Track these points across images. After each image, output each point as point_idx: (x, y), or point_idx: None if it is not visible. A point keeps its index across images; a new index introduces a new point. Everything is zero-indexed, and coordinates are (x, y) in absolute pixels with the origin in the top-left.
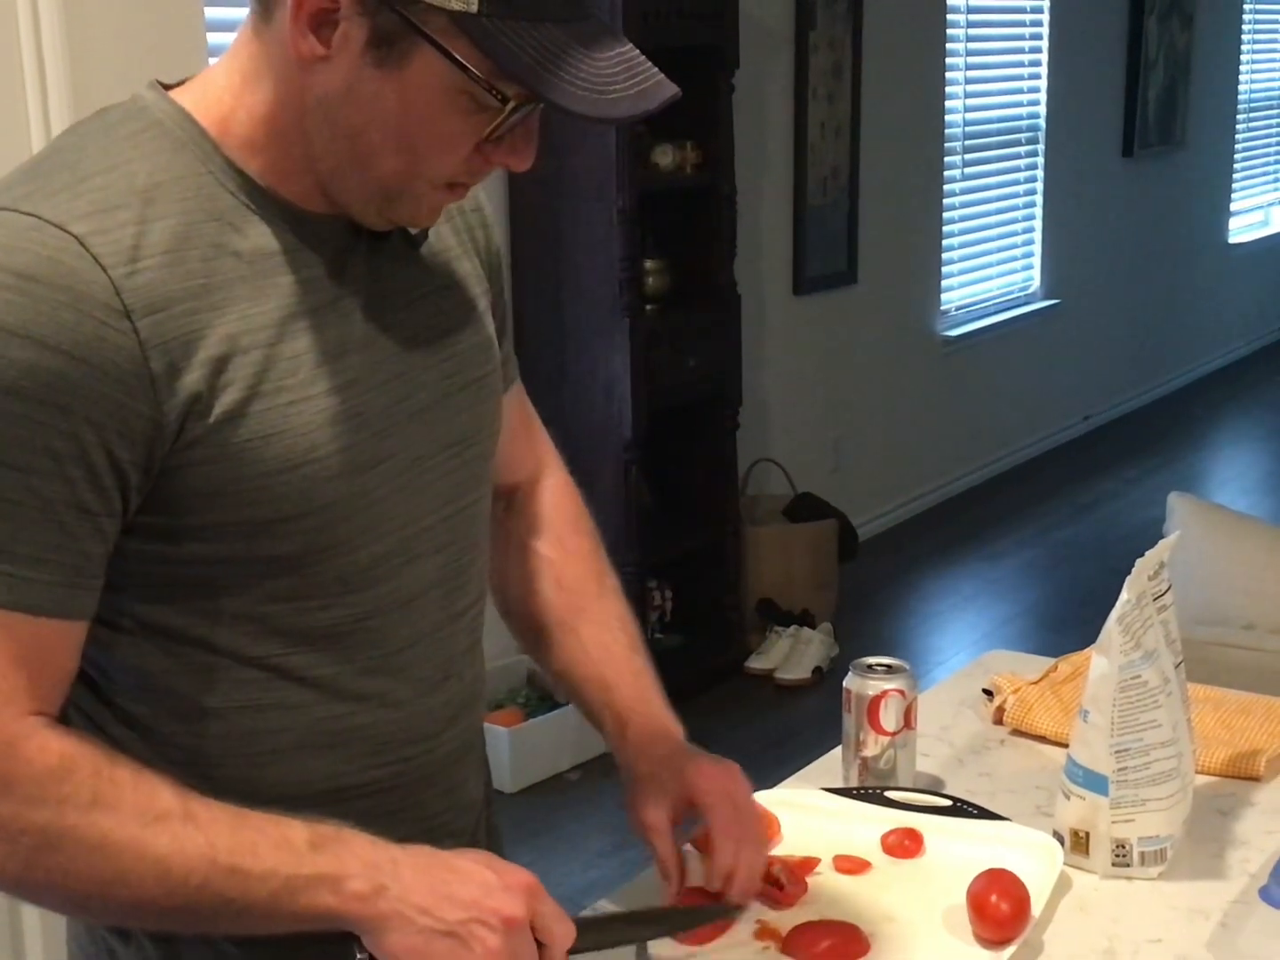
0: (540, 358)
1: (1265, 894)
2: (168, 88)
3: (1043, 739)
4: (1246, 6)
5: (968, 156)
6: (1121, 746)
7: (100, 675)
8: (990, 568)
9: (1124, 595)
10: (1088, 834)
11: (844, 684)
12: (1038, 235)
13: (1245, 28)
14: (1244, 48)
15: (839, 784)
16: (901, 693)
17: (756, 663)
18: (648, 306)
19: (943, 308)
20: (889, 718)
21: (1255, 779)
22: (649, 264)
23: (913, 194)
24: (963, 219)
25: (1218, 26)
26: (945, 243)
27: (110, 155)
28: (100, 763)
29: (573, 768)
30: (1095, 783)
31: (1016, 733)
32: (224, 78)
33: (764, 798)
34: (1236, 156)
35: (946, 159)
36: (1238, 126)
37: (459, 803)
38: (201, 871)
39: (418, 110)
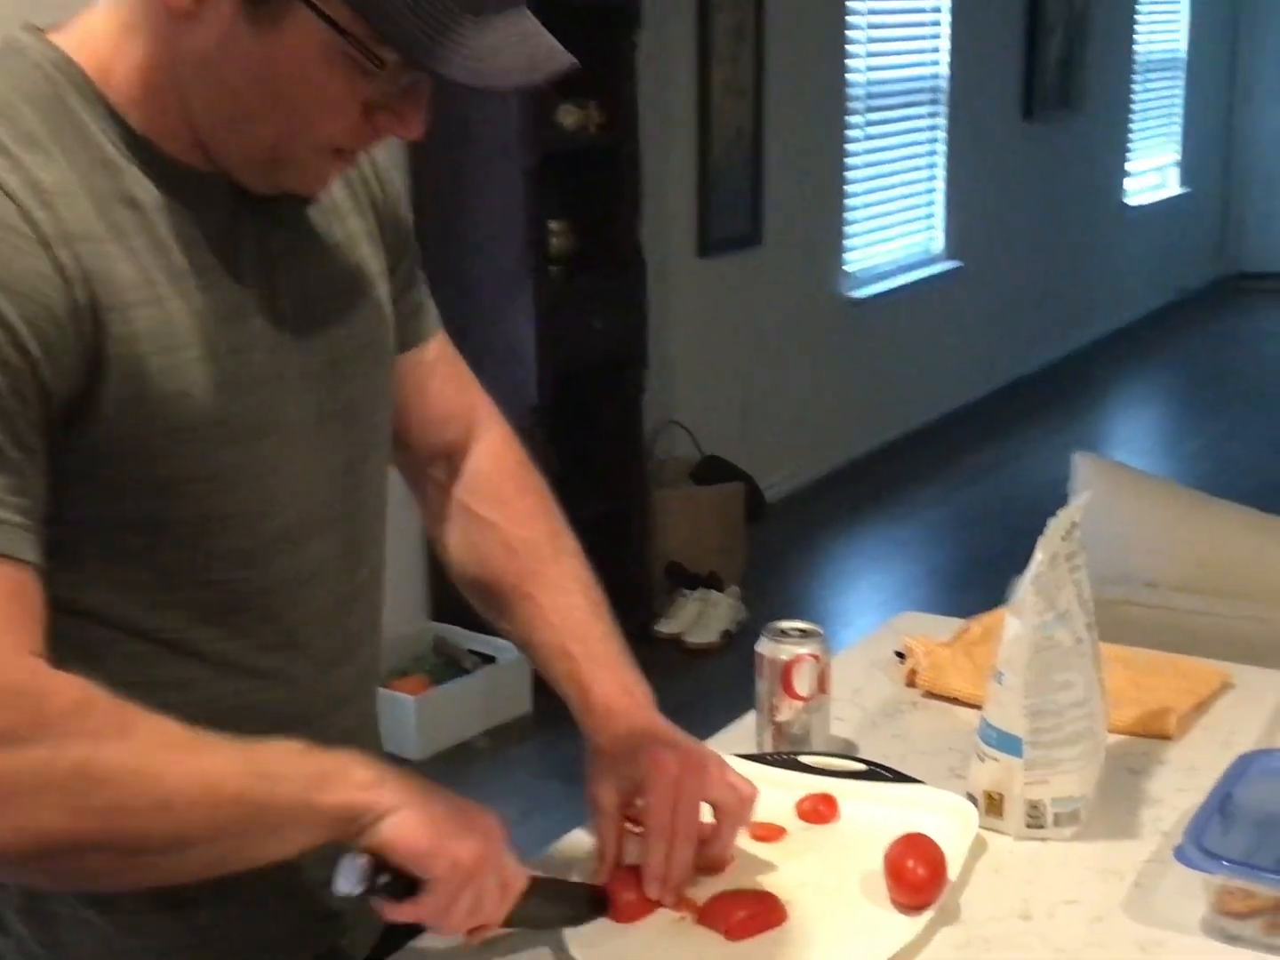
0: (441, 321)
1: (1180, 854)
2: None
3: (955, 701)
4: None
5: (870, 117)
6: (1035, 708)
7: None
8: (897, 528)
9: (1037, 556)
10: (1002, 796)
11: (756, 648)
12: (940, 197)
13: None
14: (1139, 8)
15: (752, 750)
16: (815, 657)
17: (665, 627)
18: (552, 268)
19: (847, 269)
20: (803, 683)
21: (1166, 737)
22: (553, 225)
23: (816, 155)
24: (866, 180)
25: None
26: (849, 203)
27: None
28: (111, 697)
29: (481, 734)
30: (1009, 744)
31: (929, 695)
32: (103, 23)
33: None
34: (1133, 118)
35: (849, 119)
36: (1134, 88)
37: None
38: (236, 777)
39: (295, 72)
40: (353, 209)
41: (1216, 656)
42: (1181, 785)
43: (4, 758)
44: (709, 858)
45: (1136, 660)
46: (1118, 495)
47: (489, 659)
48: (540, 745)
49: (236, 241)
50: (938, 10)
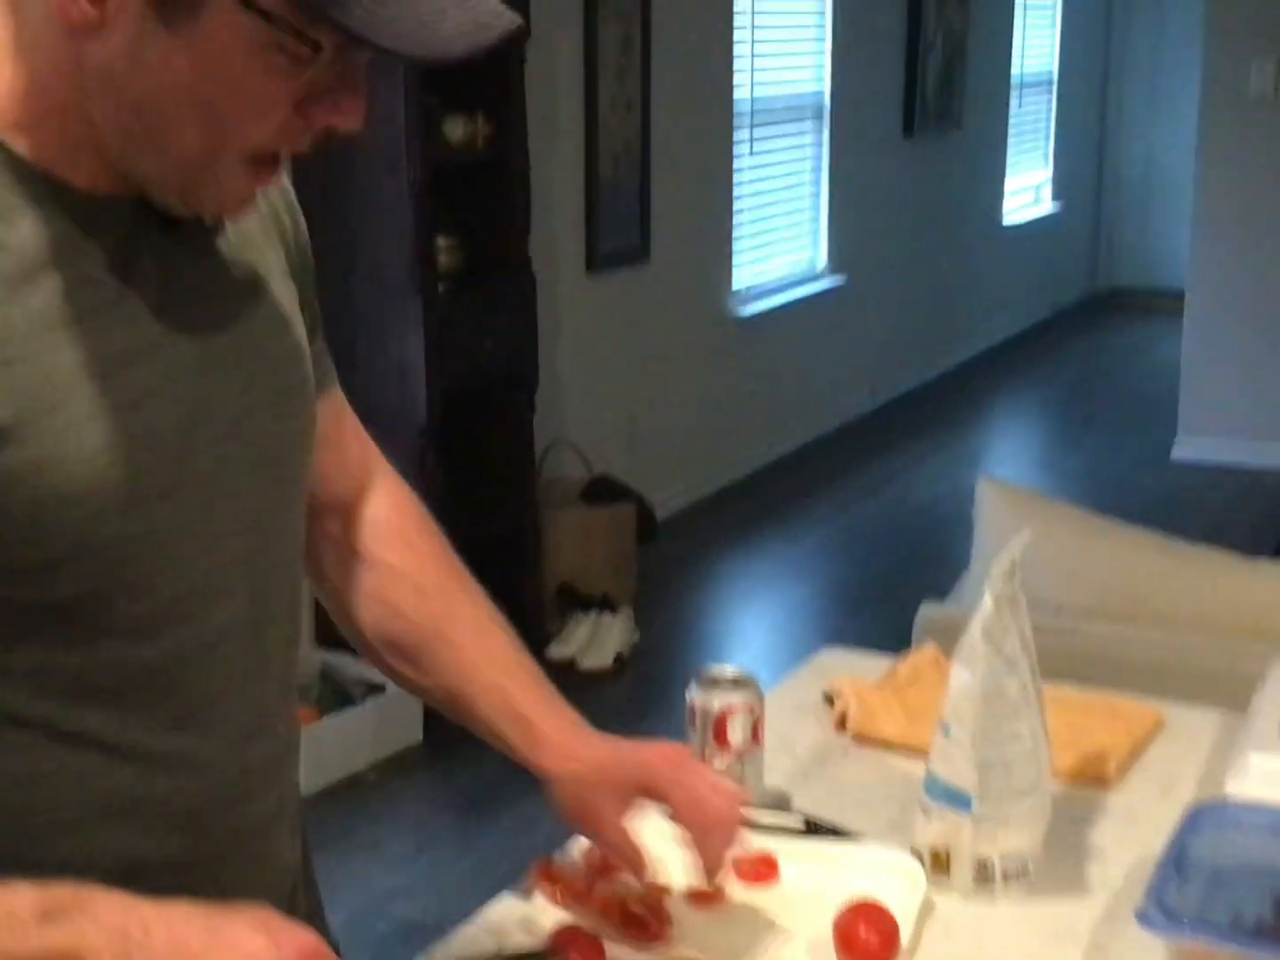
0: (328, 340)
1: (1142, 918)
2: None
3: (888, 746)
4: None
5: (756, 133)
6: (984, 761)
7: None
8: (787, 547)
9: (985, 603)
10: (949, 853)
11: (687, 697)
12: (824, 213)
13: (1017, 9)
14: (1016, 29)
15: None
16: (750, 708)
17: (557, 650)
18: (440, 285)
19: (734, 287)
20: (736, 734)
21: (1104, 783)
22: (441, 241)
23: (703, 170)
24: (752, 195)
25: (992, 7)
26: (736, 220)
27: None
28: None
29: (370, 768)
30: (957, 800)
31: (860, 739)
32: None
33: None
34: (1010, 137)
35: (735, 135)
36: (1010, 107)
37: (271, 872)
38: None
39: (217, 71)
40: (265, 241)
41: (1126, 682)
42: (1124, 836)
43: None
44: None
45: (1069, 700)
46: (1018, 519)
47: (378, 688)
48: (433, 777)
49: (133, 277)
50: (821, 27)
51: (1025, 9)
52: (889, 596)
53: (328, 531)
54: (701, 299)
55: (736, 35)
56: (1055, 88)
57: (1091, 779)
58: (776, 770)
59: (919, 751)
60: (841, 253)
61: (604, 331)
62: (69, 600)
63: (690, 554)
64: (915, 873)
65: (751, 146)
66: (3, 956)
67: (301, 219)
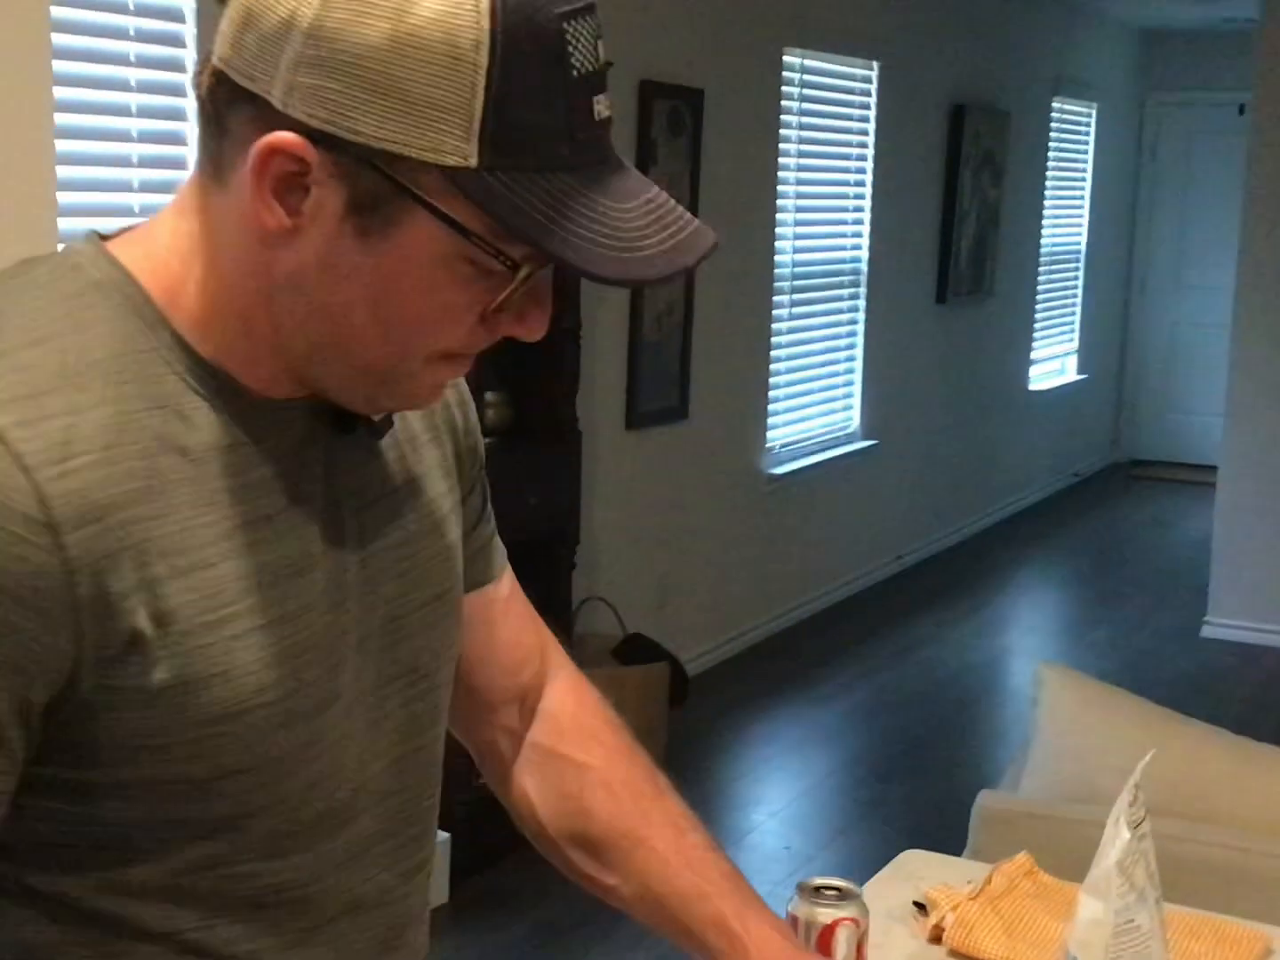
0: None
1: None
2: (104, 238)
3: None
4: (1050, 164)
5: (795, 297)
6: None
7: None
8: (816, 711)
9: (1122, 834)
10: None
11: (789, 910)
12: (858, 377)
13: (1048, 184)
14: (1046, 203)
15: None
16: (855, 921)
17: None
18: (488, 440)
19: (768, 445)
20: (840, 949)
21: None
22: (489, 396)
23: (743, 332)
24: (789, 358)
25: (1025, 181)
26: (772, 381)
27: (38, 325)
28: None
29: None
30: None
31: (955, 954)
32: (168, 237)
33: None
34: (1037, 307)
35: (775, 299)
36: (1039, 278)
37: None
38: None
39: (409, 284)
40: (429, 438)
41: (1194, 885)
42: None
43: None
44: None
45: (1175, 922)
46: (1086, 709)
47: None
48: (460, 939)
49: (302, 484)
50: (861, 197)
51: (1056, 184)
52: (920, 769)
53: (505, 725)
54: (736, 457)
55: (779, 203)
56: (1083, 260)
57: None
58: None
59: None
60: (874, 415)
61: (640, 487)
62: (219, 818)
63: (718, 716)
64: None
65: (790, 310)
66: None
67: (473, 411)
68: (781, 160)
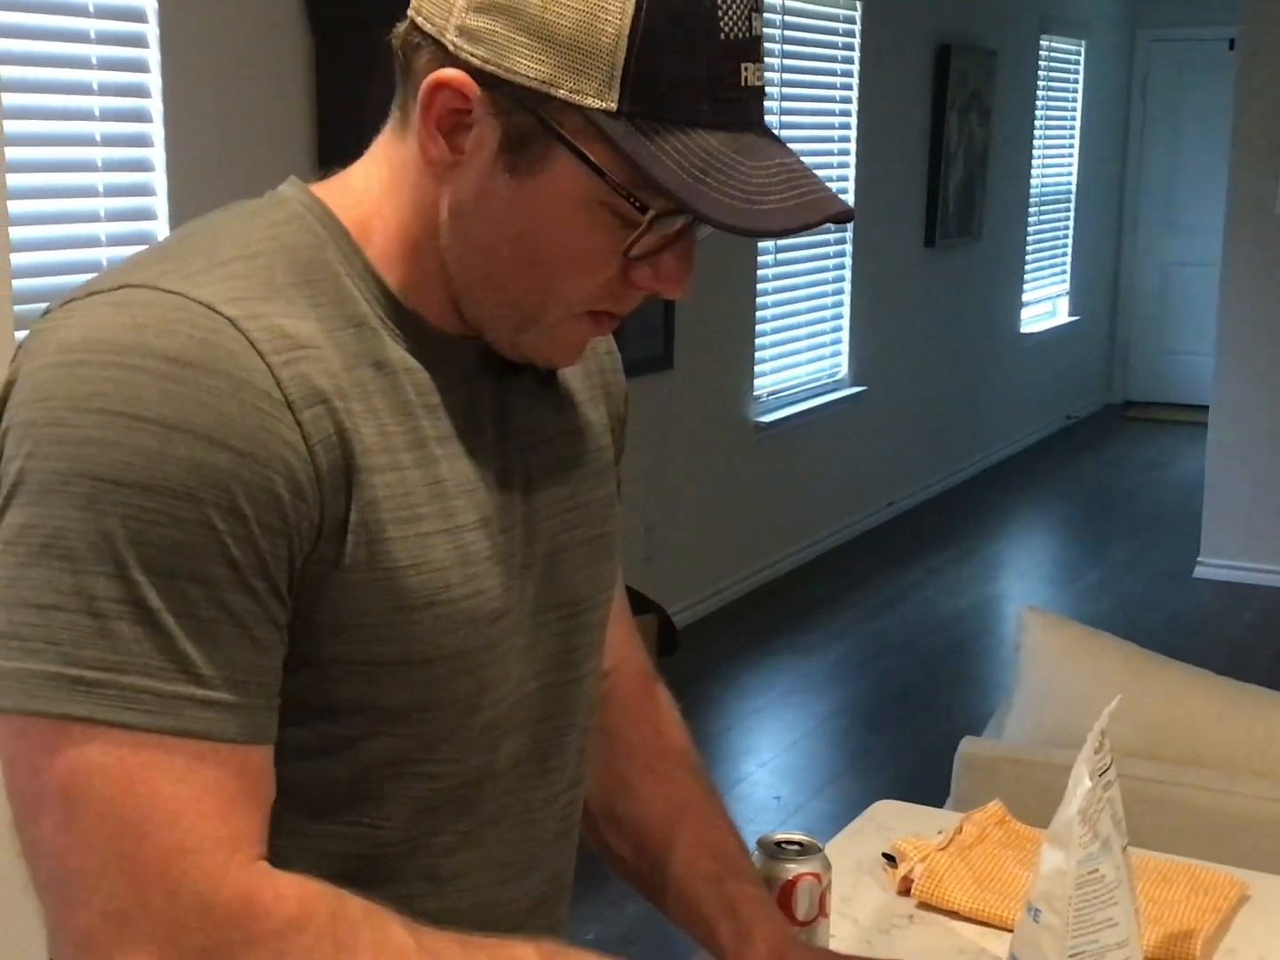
0: None
1: None
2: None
3: (955, 914)
4: (1039, 103)
5: (780, 243)
6: (1077, 950)
7: None
8: (805, 661)
9: (1084, 782)
10: None
11: None
12: (846, 322)
13: (1038, 124)
14: (1036, 143)
15: None
16: (816, 876)
17: None
18: None
19: (755, 393)
20: (802, 905)
21: None
22: None
23: (728, 279)
24: (776, 305)
25: (1013, 122)
26: (759, 328)
27: (249, 243)
28: (333, 903)
29: None
30: None
31: (925, 905)
32: (361, 180)
33: None
34: (1028, 249)
35: (760, 245)
36: (1029, 220)
37: None
38: None
39: (552, 223)
40: (589, 399)
41: (1173, 825)
42: None
43: None
44: None
45: (1148, 869)
46: (1069, 654)
47: None
48: None
49: (475, 415)
50: (845, 140)
51: (1045, 124)
52: (910, 717)
53: None
54: (723, 406)
55: None
56: (1074, 200)
57: (1178, 959)
58: (838, 939)
59: (989, 921)
60: (862, 361)
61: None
62: (404, 708)
63: (707, 667)
64: None
65: (775, 257)
66: None
67: (624, 383)
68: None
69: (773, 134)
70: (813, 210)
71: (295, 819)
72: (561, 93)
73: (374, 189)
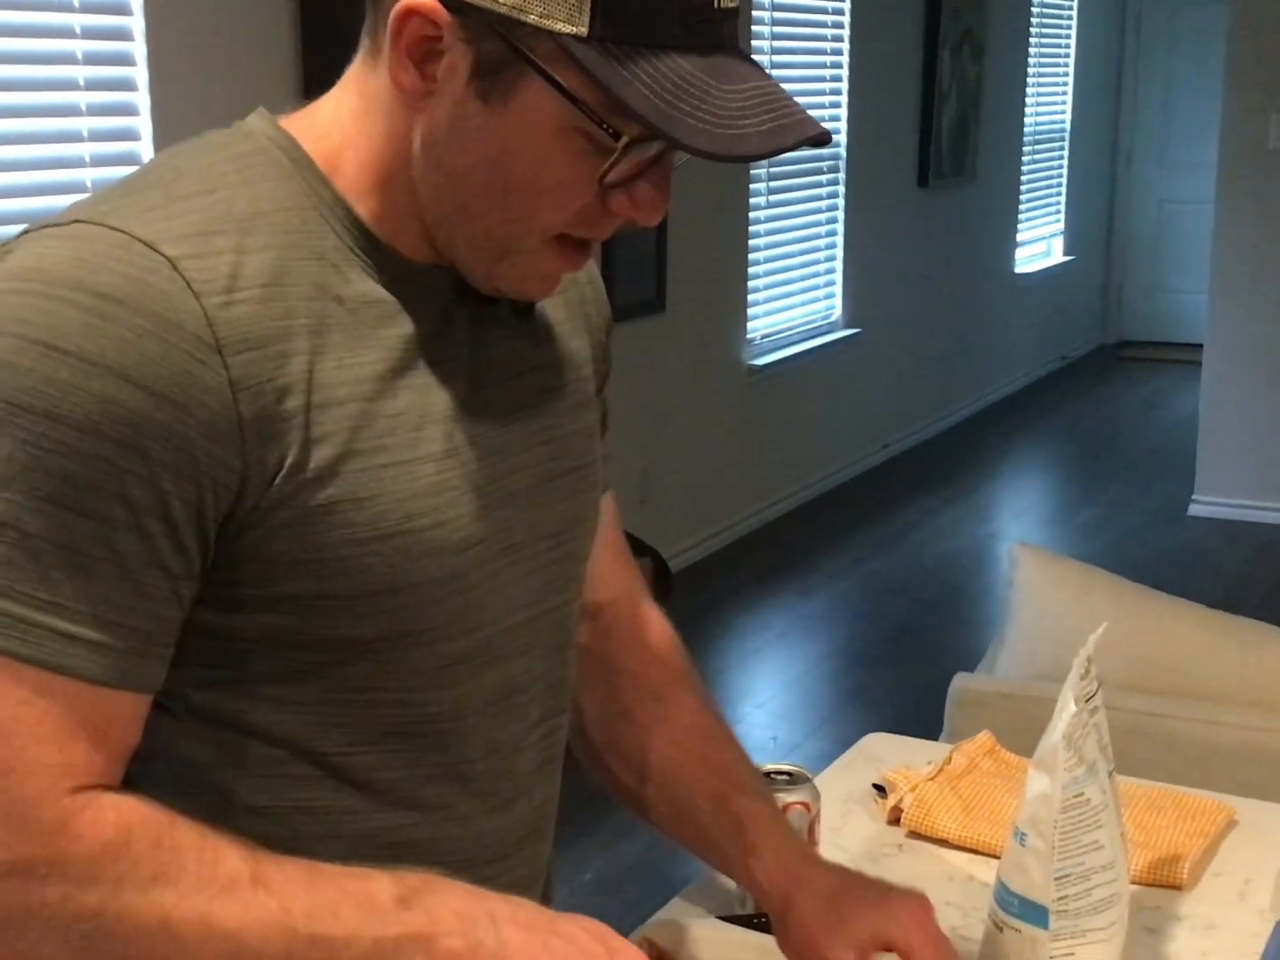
0: None
1: None
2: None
3: (944, 843)
4: (1033, 40)
5: (772, 184)
6: (1063, 872)
7: (133, 761)
8: (802, 602)
9: (1068, 705)
10: None
11: None
12: (839, 264)
13: (1031, 62)
14: (1030, 82)
15: (731, 909)
16: (805, 806)
17: None
18: None
19: (749, 336)
20: None
21: (1178, 888)
22: None
23: (719, 222)
24: (768, 247)
25: (1006, 60)
26: (751, 271)
27: (210, 177)
28: (160, 829)
29: None
30: (1033, 914)
31: (914, 835)
32: (332, 112)
33: (649, 930)
34: (1022, 188)
35: (751, 186)
36: (1023, 159)
37: None
38: (278, 942)
39: (525, 150)
40: (571, 330)
41: (1164, 756)
42: (1204, 949)
43: (15, 890)
44: None
45: (1135, 796)
46: (1060, 589)
47: None
48: None
49: (449, 345)
50: (837, 79)
51: (1039, 63)
52: (906, 656)
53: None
54: (716, 349)
55: None
56: (1068, 140)
57: (1164, 882)
58: None
59: (978, 849)
60: (856, 303)
61: (618, 384)
62: (370, 639)
63: (703, 609)
64: None
65: (768, 198)
66: (364, 937)
67: (608, 312)
68: (755, 44)
69: (746, 55)
70: (788, 134)
71: (262, 749)
72: (531, 18)
73: (345, 120)
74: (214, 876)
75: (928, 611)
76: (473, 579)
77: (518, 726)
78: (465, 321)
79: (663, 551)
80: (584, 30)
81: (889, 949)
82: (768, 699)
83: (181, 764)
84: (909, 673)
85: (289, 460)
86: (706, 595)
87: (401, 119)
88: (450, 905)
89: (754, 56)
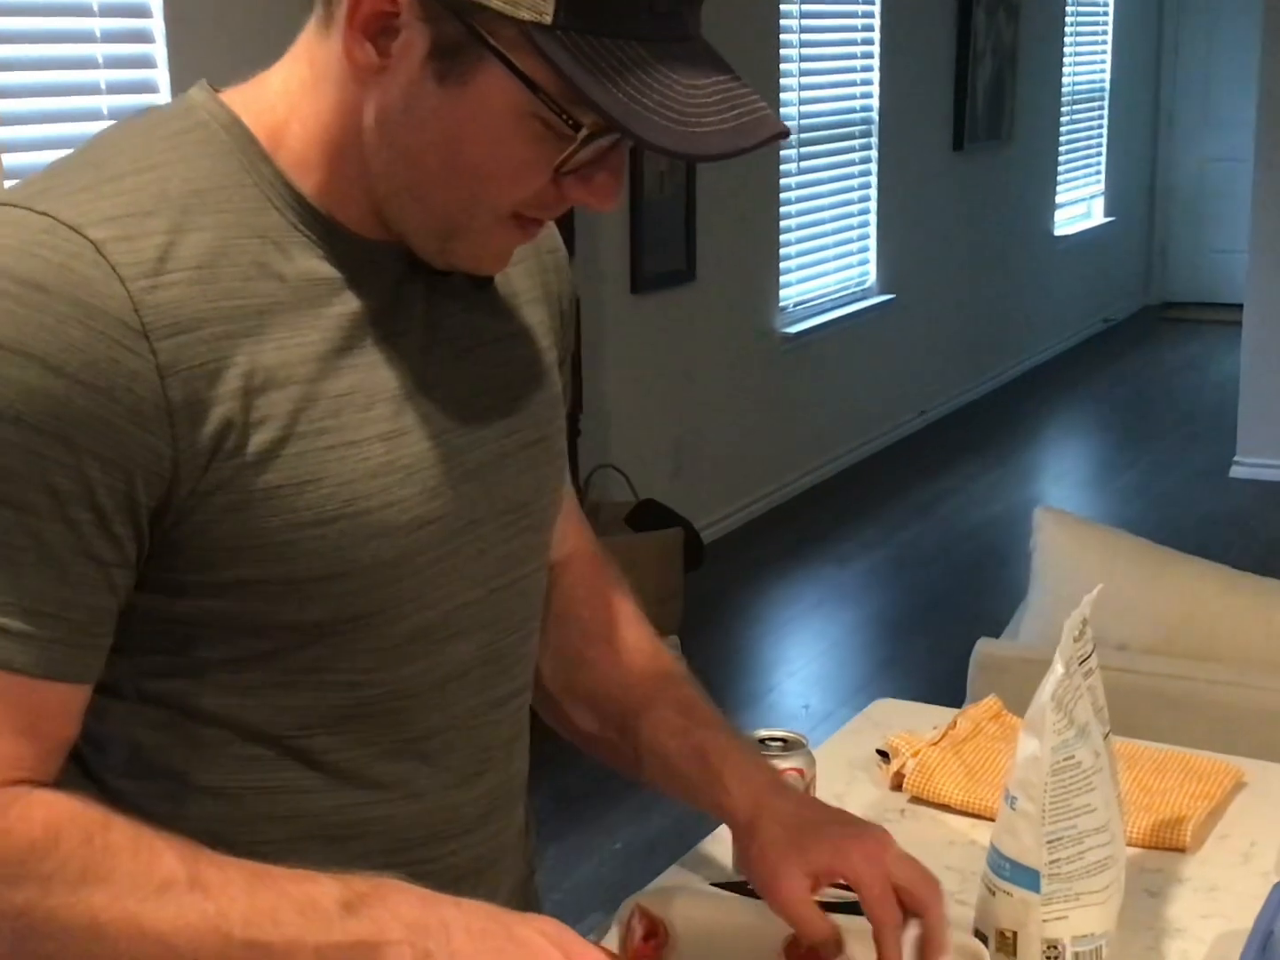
0: None
1: None
2: (219, 92)
3: (946, 807)
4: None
5: (803, 150)
6: (1054, 835)
7: (86, 745)
8: (836, 571)
9: (1056, 668)
10: (1015, 934)
11: None
12: (873, 230)
13: (1068, 21)
14: (1067, 41)
15: (727, 876)
16: (800, 772)
17: None
18: None
19: (781, 304)
20: None
21: (1181, 850)
22: None
23: (749, 189)
24: (800, 214)
25: (1043, 19)
26: (783, 238)
27: (146, 156)
28: (93, 828)
29: None
30: (1024, 877)
31: (917, 800)
32: (279, 83)
33: (642, 899)
34: (1060, 149)
35: (782, 153)
36: (1061, 120)
37: None
38: (212, 947)
39: (481, 133)
40: (532, 298)
41: (1190, 721)
42: (1205, 911)
43: None
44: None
45: (1140, 757)
46: (1084, 553)
47: None
48: None
49: (400, 321)
50: (870, 43)
51: (1076, 21)
52: (941, 624)
53: None
54: (748, 318)
55: (784, 52)
56: (1107, 99)
57: (1166, 845)
58: None
59: (980, 813)
60: (890, 269)
61: (649, 352)
62: (318, 622)
63: (737, 579)
64: (980, 955)
65: (799, 164)
66: (306, 944)
67: (570, 281)
68: (783, 7)
69: (710, 48)
70: (750, 133)
71: (214, 731)
72: (495, 3)
73: (293, 90)
74: (148, 878)
75: (964, 578)
76: (426, 558)
77: (479, 700)
78: (419, 296)
79: (696, 522)
80: (548, 18)
81: (842, 882)
82: (800, 667)
83: (134, 748)
84: (943, 641)
85: (226, 445)
86: (740, 565)
87: (353, 92)
88: (399, 913)
89: (782, 20)
